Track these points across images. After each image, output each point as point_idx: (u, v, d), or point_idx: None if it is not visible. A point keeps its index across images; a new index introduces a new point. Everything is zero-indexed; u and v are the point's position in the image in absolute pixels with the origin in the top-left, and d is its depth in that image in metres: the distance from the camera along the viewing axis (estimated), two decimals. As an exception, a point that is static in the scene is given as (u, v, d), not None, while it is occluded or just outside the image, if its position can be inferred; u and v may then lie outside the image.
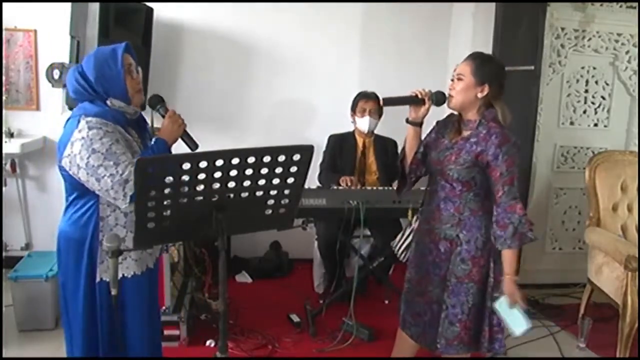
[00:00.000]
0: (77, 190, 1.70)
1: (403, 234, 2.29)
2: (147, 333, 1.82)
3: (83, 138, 1.60)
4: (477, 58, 1.87)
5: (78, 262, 1.71)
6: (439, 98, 1.89)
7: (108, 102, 1.69)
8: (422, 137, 2.01)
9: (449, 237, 1.92)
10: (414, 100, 1.90)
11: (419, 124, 1.95)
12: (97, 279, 1.69)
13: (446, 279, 1.93)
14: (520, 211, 1.80)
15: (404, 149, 2.06)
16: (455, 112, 1.93)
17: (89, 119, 1.63)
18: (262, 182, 1.45)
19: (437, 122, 2.01)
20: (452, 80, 1.89)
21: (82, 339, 1.75)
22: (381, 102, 1.91)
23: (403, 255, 2.25)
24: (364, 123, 3.17)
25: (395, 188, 2.29)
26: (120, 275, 1.68)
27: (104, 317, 1.72)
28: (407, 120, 1.96)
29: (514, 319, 1.81)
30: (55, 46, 3.23)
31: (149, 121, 1.96)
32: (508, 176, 1.79)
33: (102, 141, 1.59)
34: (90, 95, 1.69)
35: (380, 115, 3.19)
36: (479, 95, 1.83)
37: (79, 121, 1.63)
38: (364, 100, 3.19)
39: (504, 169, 1.78)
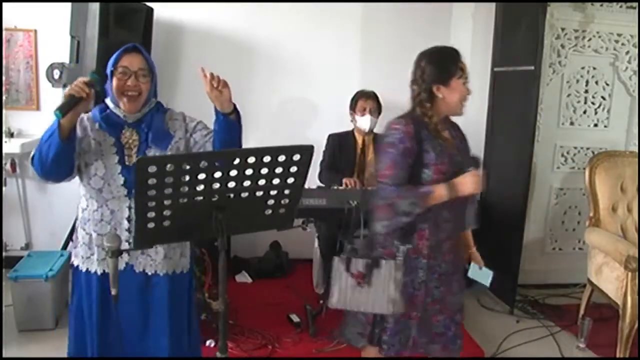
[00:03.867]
0: None
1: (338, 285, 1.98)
2: (131, 332, 1.81)
3: None
4: None
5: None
6: None
7: (106, 101, 1.76)
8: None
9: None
10: None
11: None
12: (71, 262, 1.82)
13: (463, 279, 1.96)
14: None
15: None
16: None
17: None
18: (262, 182, 1.45)
19: (404, 136, 1.83)
20: (465, 82, 1.90)
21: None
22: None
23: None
24: (364, 122, 3.17)
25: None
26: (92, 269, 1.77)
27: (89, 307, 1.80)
28: None
29: (483, 276, 2.05)
30: (55, 46, 3.23)
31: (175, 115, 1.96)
32: None
33: None
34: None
35: (379, 114, 3.19)
36: None
37: None
38: (364, 99, 3.19)
39: None
